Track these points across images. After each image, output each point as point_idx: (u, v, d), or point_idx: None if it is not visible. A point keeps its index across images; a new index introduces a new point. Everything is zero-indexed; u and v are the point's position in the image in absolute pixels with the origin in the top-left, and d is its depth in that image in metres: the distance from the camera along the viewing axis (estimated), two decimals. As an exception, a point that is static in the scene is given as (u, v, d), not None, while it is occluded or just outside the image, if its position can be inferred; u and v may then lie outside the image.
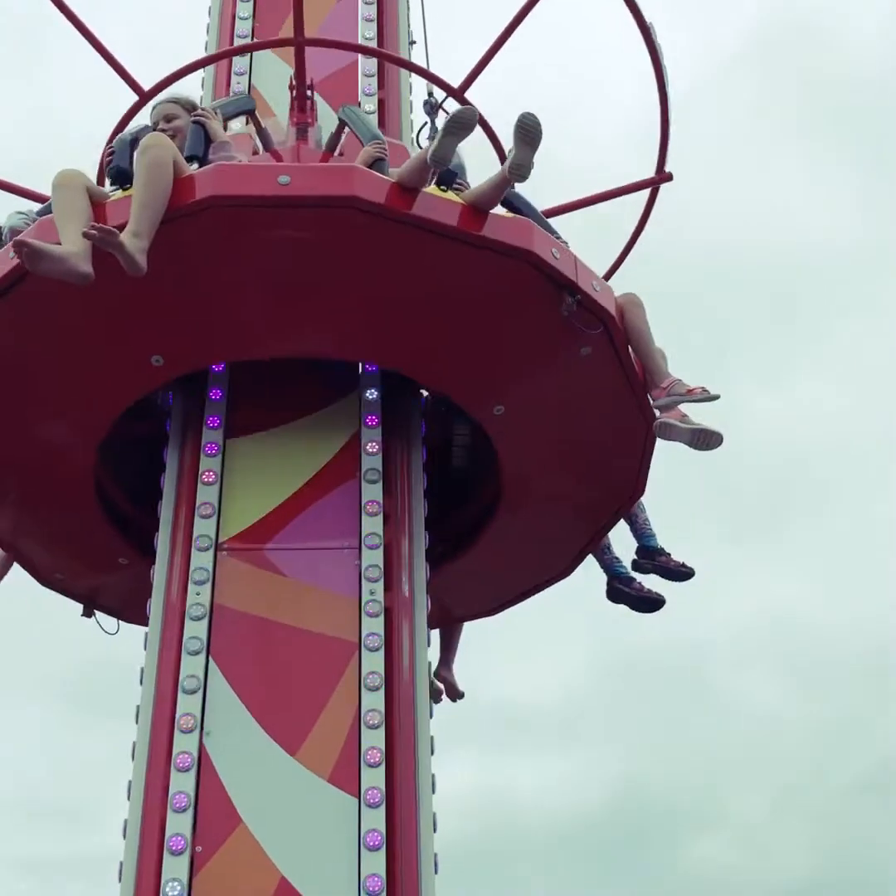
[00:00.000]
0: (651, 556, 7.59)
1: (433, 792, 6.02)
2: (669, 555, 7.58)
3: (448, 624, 8.37)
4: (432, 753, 6.02)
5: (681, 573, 7.51)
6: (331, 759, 5.74)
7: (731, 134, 22.52)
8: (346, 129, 7.47)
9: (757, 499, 23.00)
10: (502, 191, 6.36)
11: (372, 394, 6.76)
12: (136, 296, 6.01)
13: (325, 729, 5.80)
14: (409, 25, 9.04)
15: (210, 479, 6.39)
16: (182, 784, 5.59)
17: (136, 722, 5.88)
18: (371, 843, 5.54)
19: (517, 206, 6.98)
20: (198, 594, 6.05)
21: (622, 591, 7.68)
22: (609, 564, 7.79)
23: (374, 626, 6.03)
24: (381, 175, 6.33)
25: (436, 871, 5.73)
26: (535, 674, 20.90)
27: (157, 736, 5.76)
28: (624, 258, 8.84)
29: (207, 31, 8.73)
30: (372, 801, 5.63)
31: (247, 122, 7.72)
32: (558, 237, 7.02)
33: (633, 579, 7.70)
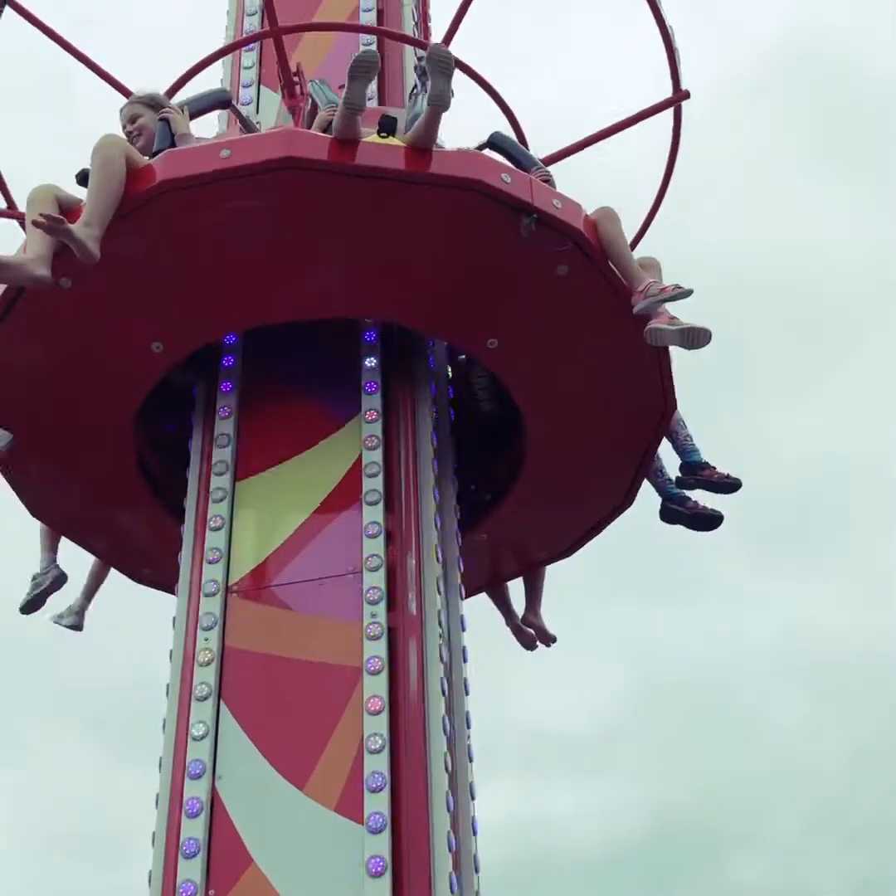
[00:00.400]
0: (694, 472, 7.42)
1: (474, 833, 6.07)
2: (714, 468, 7.38)
3: (529, 570, 8.39)
4: (472, 792, 6.11)
5: (726, 485, 7.34)
6: (337, 788, 5.76)
7: (753, 155, 22.64)
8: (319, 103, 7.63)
9: (784, 519, 22.88)
10: (433, 124, 6.45)
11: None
12: (125, 285, 6.46)
13: (332, 758, 5.83)
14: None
15: (217, 524, 6.52)
16: (192, 830, 5.71)
17: (159, 770, 6.06)
18: (373, 870, 5.52)
19: (500, 144, 7.50)
20: (206, 640, 6.18)
21: (676, 510, 7.52)
22: (662, 487, 7.63)
23: (375, 649, 6.01)
24: (315, 133, 6.64)
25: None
26: (568, 700, 21.06)
27: (174, 783, 5.91)
28: (662, 197, 8.94)
29: (225, 31, 9.14)
30: (374, 826, 5.61)
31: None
32: (545, 174, 7.23)
33: (688, 498, 7.52)
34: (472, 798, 6.30)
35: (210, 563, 6.39)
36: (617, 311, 6.70)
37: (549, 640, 8.44)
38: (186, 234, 6.39)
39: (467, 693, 6.56)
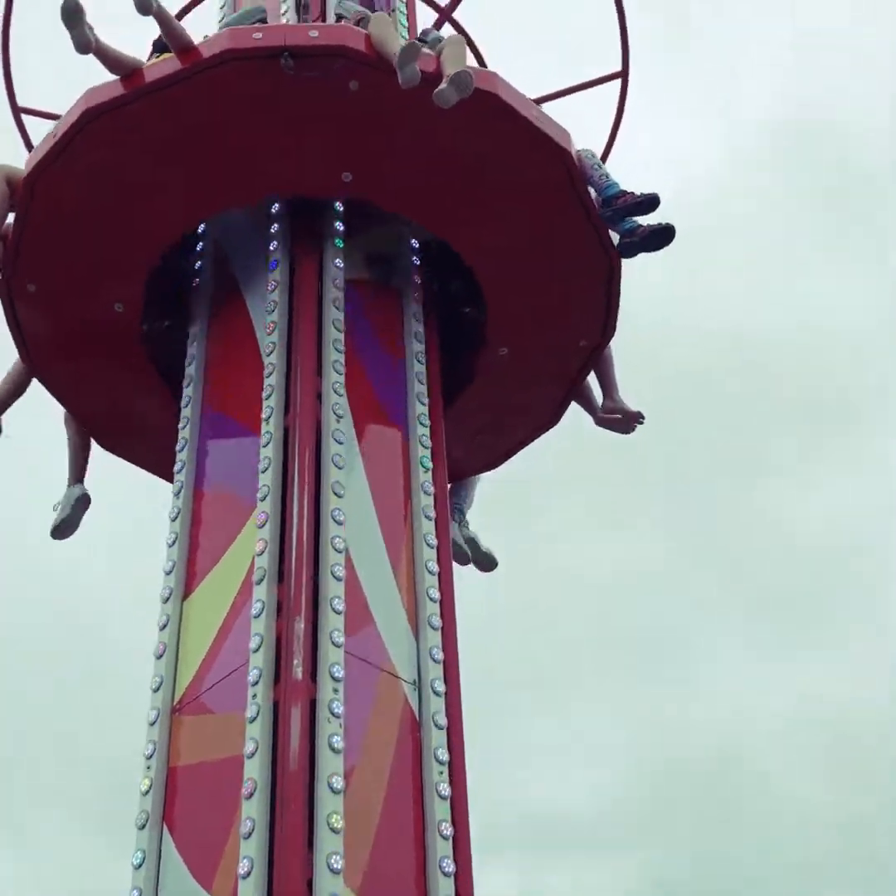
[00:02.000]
0: (608, 204, 7.53)
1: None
2: (631, 192, 7.49)
3: (596, 366, 8.33)
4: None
5: (645, 203, 7.42)
6: (230, 882, 5.58)
7: (754, 234, 22.68)
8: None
9: (789, 596, 23.00)
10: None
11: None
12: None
13: (229, 854, 5.65)
14: None
15: (160, 651, 6.56)
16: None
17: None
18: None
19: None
20: (148, 767, 6.23)
21: (631, 243, 7.51)
22: (615, 231, 7.65)
23: (252, 731, 5.81)
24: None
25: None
26: (569, 779, 20.77)
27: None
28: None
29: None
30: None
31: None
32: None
33: (636, 226, 7.51)
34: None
35: (153, 691, 6.43)
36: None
37: (636, 417, 8.30)
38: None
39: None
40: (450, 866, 5.80)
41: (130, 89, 7.10)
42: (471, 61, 8.45)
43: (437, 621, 6.51)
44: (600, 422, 8.36)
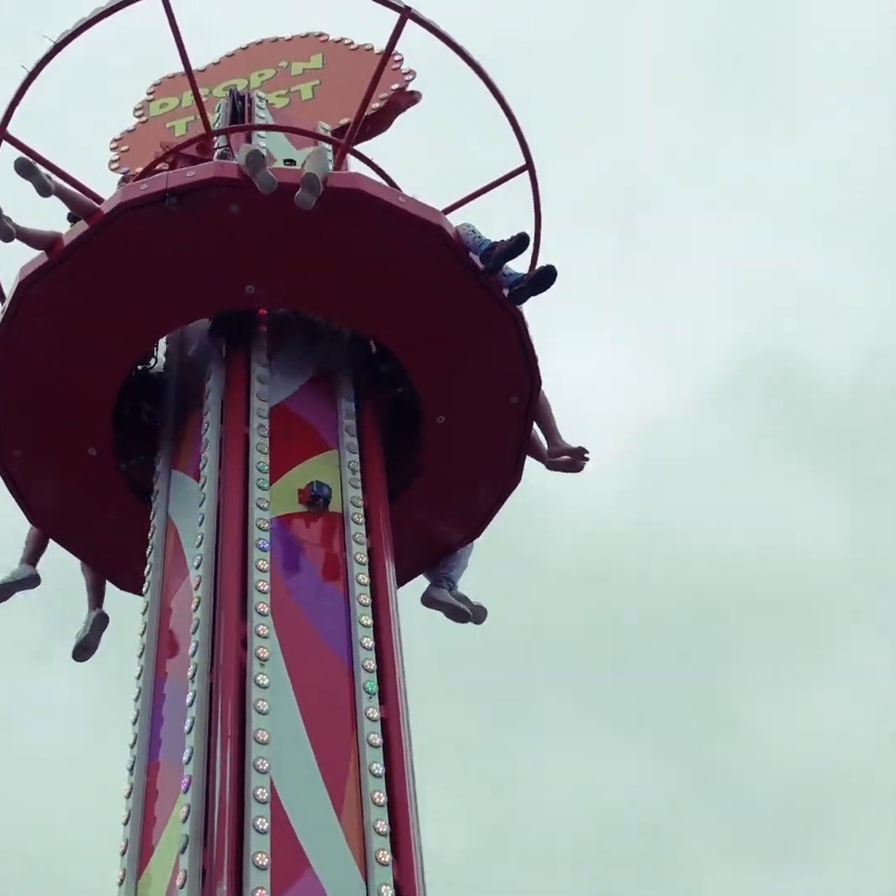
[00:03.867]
0: (488, 256, 7.91)
1: None
2: (500, 240, 7.89)
3: (536, 418, 8.56)
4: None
5: (515, 245, 7.85)
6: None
7: (721, 459, 23.43)
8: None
9: (777, 817, 22.81)
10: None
11: None
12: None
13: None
14: None
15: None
16: None
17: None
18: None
19: None
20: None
21: (519, 290, 7.98)
22: (502, 283, 8.05)
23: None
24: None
25: None
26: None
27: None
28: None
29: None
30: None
31: None
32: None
33: (520, 275, 8.02)
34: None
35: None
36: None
37: (581, 453, 8.59)
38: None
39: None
40: None
41: (53, 256, 7.90)
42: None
43: (386, 857, 6.05)
44: (551, 466, 8.69)
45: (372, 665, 6.71)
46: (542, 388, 8.54)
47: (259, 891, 5.65)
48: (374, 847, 6.07)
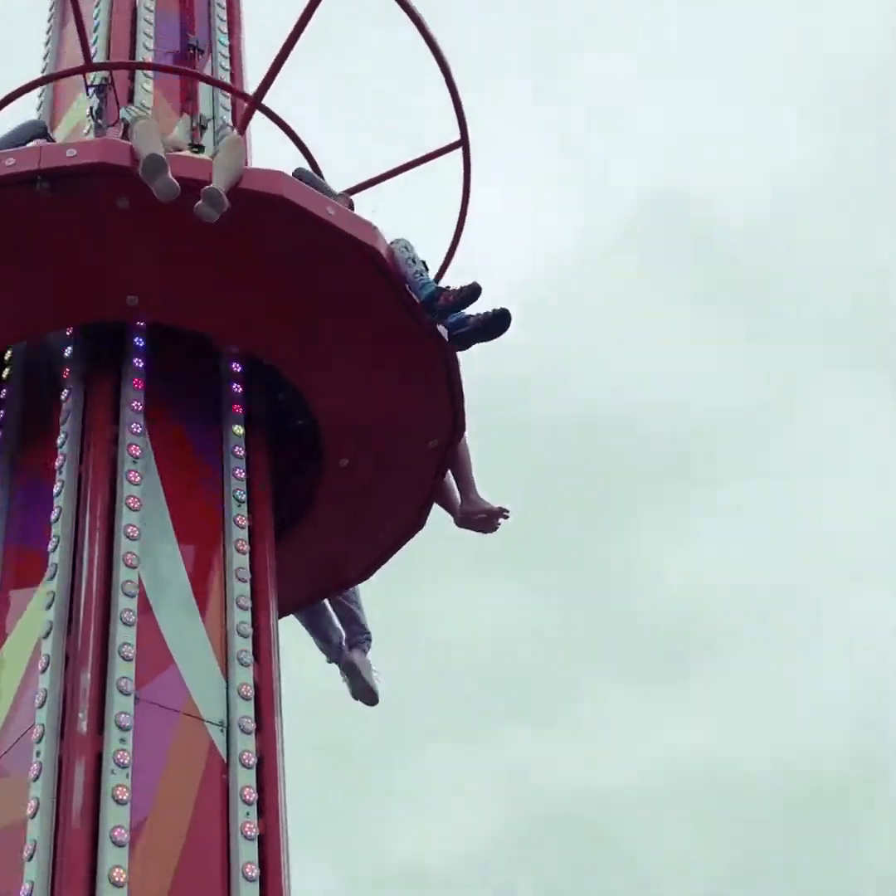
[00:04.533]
0: (431, 305, 6.94)
1: None
2: (447, 288, 6.95)
3: (451, 465, 7.70)
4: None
5: (467, 294, 6.85)
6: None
7: (622, 302, 23.40)
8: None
9: (659, 647, 23.58)
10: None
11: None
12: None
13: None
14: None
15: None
16: None
17: None
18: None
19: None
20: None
21: (464, 333, 6.98)
22: (446, 325, 7.09)
23: (34, 791, 5.55)
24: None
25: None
26: (442, 832, 20.98)
27: None
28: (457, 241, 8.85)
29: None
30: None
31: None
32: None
33: (466, 316, 6.96)
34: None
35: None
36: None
37: (499, 514, 7.69)
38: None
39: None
40: None
41: None
42: (283, 160, 8.30)
43: (247, 658, 6.22)
44: (461, 522, 7.77)
45: (242, 474, 6.91)
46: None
47: (123, 680, 5.79)
48: (236, 647, 6.24)
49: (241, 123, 8.28)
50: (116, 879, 5.28)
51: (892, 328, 24.54)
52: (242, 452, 6.96)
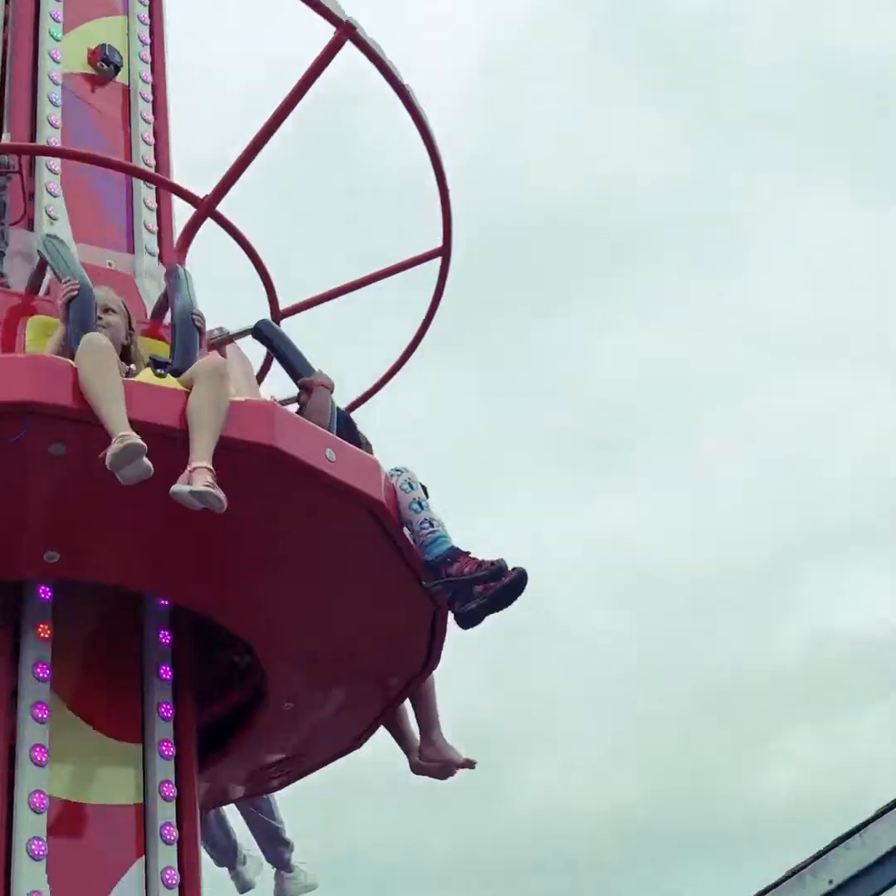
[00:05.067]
0: (438, 571, 5.66)
1: None
2: (467, 553, 5.66)
3: (412, 700, 6.57)
4: None
5: (496, 572, 5.55)
6: None
7: (565, 81, 23.51)
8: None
9: (588, 432, 24.40)
10: None
11: None
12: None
13: None
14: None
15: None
16: None
17: None
18: None
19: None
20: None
21: (471, 611, 5.63)
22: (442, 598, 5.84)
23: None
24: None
25: None
26: None
27: None
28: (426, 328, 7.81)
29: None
30: None
31: None
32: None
33: (470, 587, 5.61)
34: None
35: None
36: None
37: (463, 766, 6.57)
38: None
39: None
40: None
41: None
42: (227, 269, 7.38)
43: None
44: (416, 768, 6.65)
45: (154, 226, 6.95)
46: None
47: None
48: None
49: (188, 232, 7.11)
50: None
51: (838, 118, 24.92)
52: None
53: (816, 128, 25.16)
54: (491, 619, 5.69)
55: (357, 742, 6.85)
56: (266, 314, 7.34)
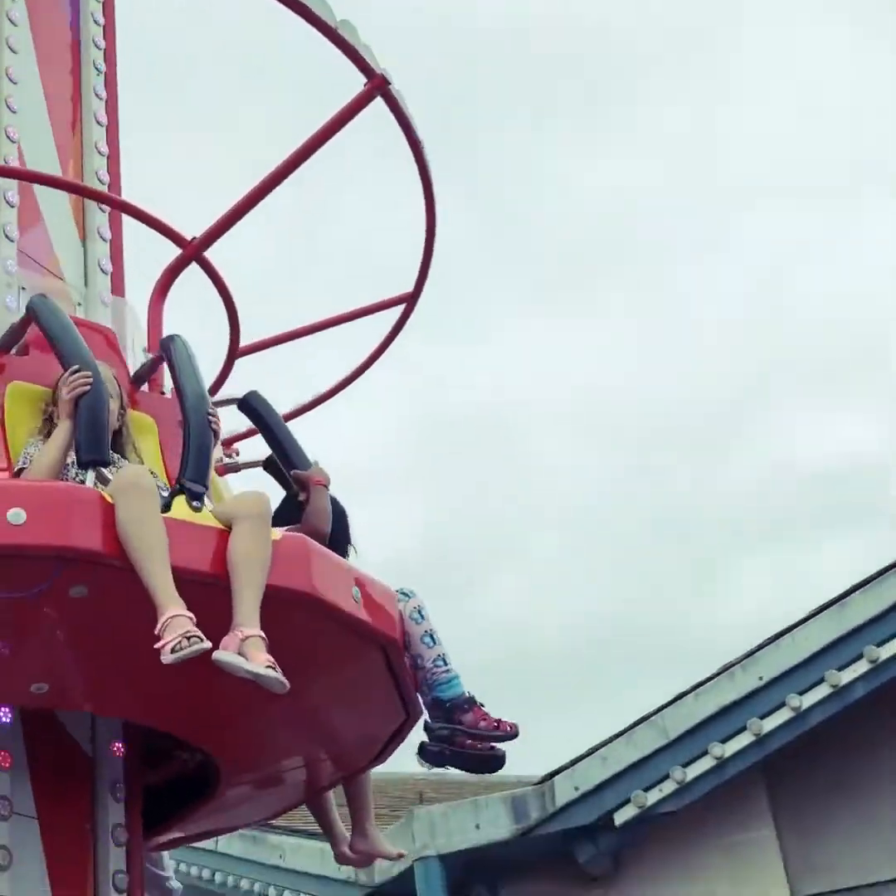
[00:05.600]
0: (449, 715, 5.35)
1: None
2: (481, 706, 5.38)
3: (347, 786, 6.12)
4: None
5: (493, 736, 5.32)
6: None
7: None
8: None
9: (564, 264, 24.84)
10: None
11: None
12: None
13: None
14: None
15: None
16: None
17: None
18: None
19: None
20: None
21: (434, 752, 5.39)
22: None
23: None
24: None
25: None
26: (343, 433, 21.00)
27: None
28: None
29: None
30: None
31: None
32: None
33: (452, 735, 5.36)
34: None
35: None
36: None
37: (394, 858, 6.43)
38: None
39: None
40: None
41: None
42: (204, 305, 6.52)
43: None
44: (342, 858, 6.28)
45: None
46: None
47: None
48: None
49: (170, 275, 6.42)
50: None
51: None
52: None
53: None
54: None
55: (281, 812, 6.49)
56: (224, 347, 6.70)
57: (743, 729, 9.60)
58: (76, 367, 5.00)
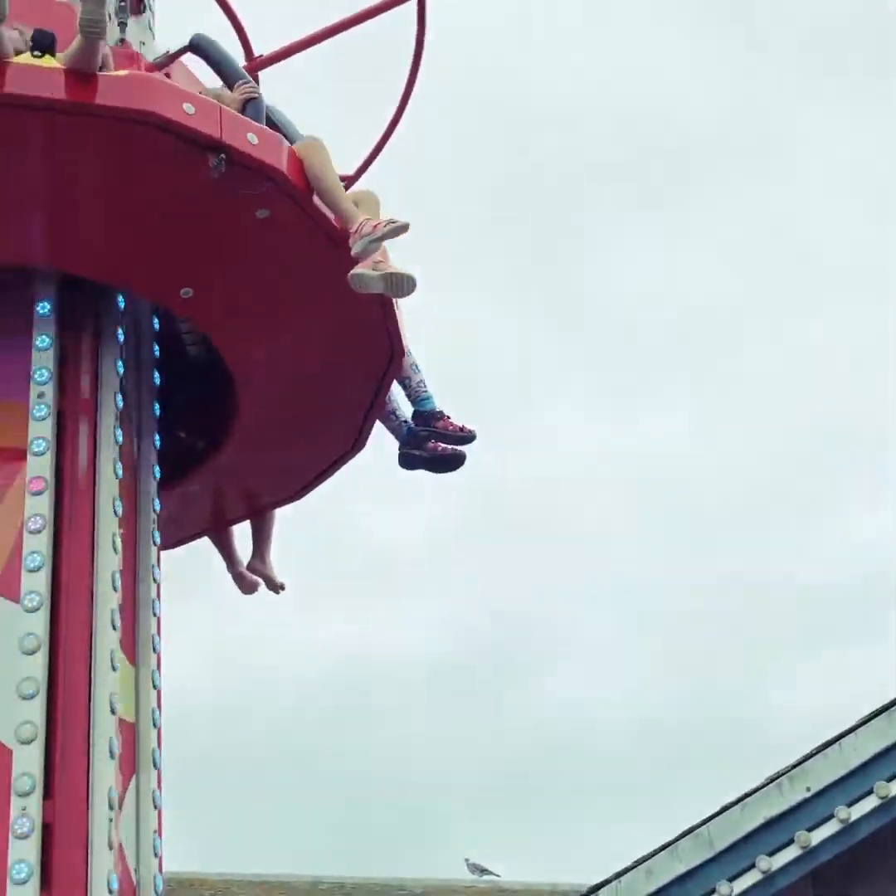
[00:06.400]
0: (427, 421, 7.20)
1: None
2: (448, 417, 7.17)
3: (255, 515, 7.82)
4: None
5: (460, 438, 7.14)
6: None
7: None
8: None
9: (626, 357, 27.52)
10: (88, 51, 5.66)
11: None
12: None
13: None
14: None
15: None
16: None
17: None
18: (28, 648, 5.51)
19: (201, 48, 6.86)
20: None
21: (413, 455, 7.23)
22: (397, 430, 7.34)
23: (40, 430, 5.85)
24: None
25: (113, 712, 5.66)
26: (397, 519, 23.06)
27: None
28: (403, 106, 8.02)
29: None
30: (31, 605, 5.59)
31: None
32: (251, 89, 6.64)
33: (427, 439, 7.22)
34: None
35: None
36: (331, 254, 6.27)
37: (276, 588, 7.87)
38: None
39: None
40: None
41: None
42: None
43: None
44: (235, 575, 7.86)
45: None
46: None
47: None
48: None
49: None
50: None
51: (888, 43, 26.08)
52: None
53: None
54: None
55: (357, 443, 7.48)
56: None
57: (790, 842, 9.45)
58: (243, 81, 6.74)
